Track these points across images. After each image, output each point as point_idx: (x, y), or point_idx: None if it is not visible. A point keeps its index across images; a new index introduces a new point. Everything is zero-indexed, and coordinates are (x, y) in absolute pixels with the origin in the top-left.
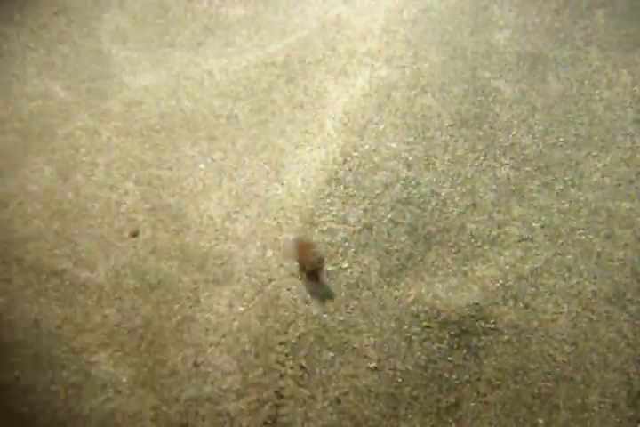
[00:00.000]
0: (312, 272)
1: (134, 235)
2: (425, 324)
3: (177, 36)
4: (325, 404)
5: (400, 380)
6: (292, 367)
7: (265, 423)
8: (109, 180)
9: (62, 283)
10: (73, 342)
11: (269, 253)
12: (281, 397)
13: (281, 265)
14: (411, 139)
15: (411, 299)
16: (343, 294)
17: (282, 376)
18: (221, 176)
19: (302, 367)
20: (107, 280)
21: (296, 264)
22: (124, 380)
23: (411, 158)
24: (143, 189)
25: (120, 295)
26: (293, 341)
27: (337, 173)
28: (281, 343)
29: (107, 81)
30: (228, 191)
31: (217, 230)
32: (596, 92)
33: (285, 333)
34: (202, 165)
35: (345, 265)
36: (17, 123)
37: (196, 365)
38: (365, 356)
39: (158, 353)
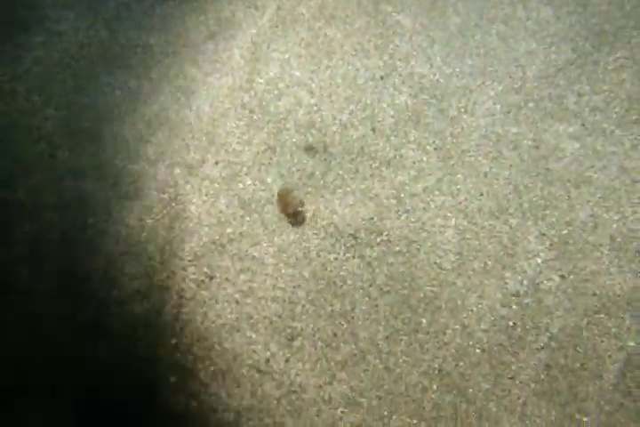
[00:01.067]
0: (294, 214)
1: (52, 155)
2: (322, 236)
3: None
4: (224, 305)
5: (296, 285)
6: (194, 273)
7: (167, 322)
8: (30, 106)
9: None
10: None
11: (177, 170)
12: (182, 298)
13: (187, 182)
14: (314, 67)
15: (309, 214)
16: (243, 209)
17: (184, 280)
18: (136, 102)
19: (204, 273)
20: (26, 199)
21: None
22: (41, 289)
23: (314, 86)
24: (62, 115)
25: (39, 212)
26: (196, 249)
27: (243, 98)
28: (184, 251)
29: (29, 13)
30: (142, 116)
31: (130, 151)
32: (493, 26)
33: (189, 242)
34: (118, 92)
35: (248, 182)
36: None
37: (105, 272)
38: (263, 263)
39: (73, 263)
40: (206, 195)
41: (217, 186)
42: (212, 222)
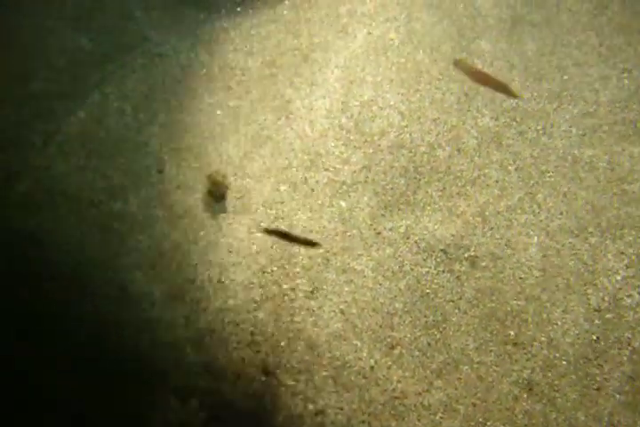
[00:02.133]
0: (214, 192)
1: (160, 171)
2: (415, 251)
3: None
4: (331, 314)
5: (393, 297)
6: (302, 284)
7: (282, 330)
8: (136, 123)
9: (100, 212)
10: (111, 263)
11: (282, 187)
12: (294, 307)
13: (292, 198)
14: (404, 91)
15: (402, 230)
16: (344, 225)
17: (294, 290)
18: (237, 121)
19: (311, 284)
20: (138, 210)
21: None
22: (157, 294)
23: (404, 108)
24: (167, 132)
25: (151, 223)
26: (304, 262)
27: (340, 120)
28: (293, 264)
29: (130, 35)
30: (244, 134)
31: (235, 168)
32: (568, 52)
33: (297, 255)
34: (219, 112)
35: (347, 199)
36: (47, 72)
37: (220, 281)
38: (364, 276)
39: (187, 272)
40: (310, 211)
41: (319, 202)
42: (316, 237)
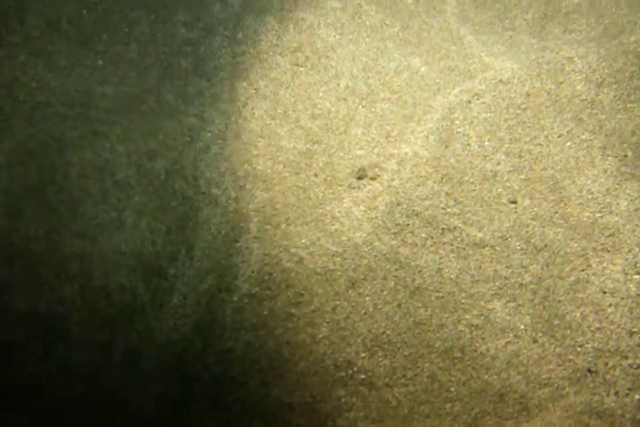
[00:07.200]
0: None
1: (513, 202)
2: None
3: (515, 20)
4: None
5: None
6: None
7: None
8: (482, 150)
9: (455, 238)
10: (471, 290)
11: None
12: None
13: None
14: None
15: None
16: None
17: None
18: (592, 155)
19: None
20: (493, 240)
21: None
22: (522, 327)
23: None
24: (514, 161)
25: (507, 254)
26: None
27: None
28: None
29: (466, 60)
30: (603, 170)
31: (599, 204)
32: None
33: None
34: (569, 144)
35: None
36: (389, 93)
37: (597, 322)
38: None
39: (553, 308)
40: None
41: None
42: None
